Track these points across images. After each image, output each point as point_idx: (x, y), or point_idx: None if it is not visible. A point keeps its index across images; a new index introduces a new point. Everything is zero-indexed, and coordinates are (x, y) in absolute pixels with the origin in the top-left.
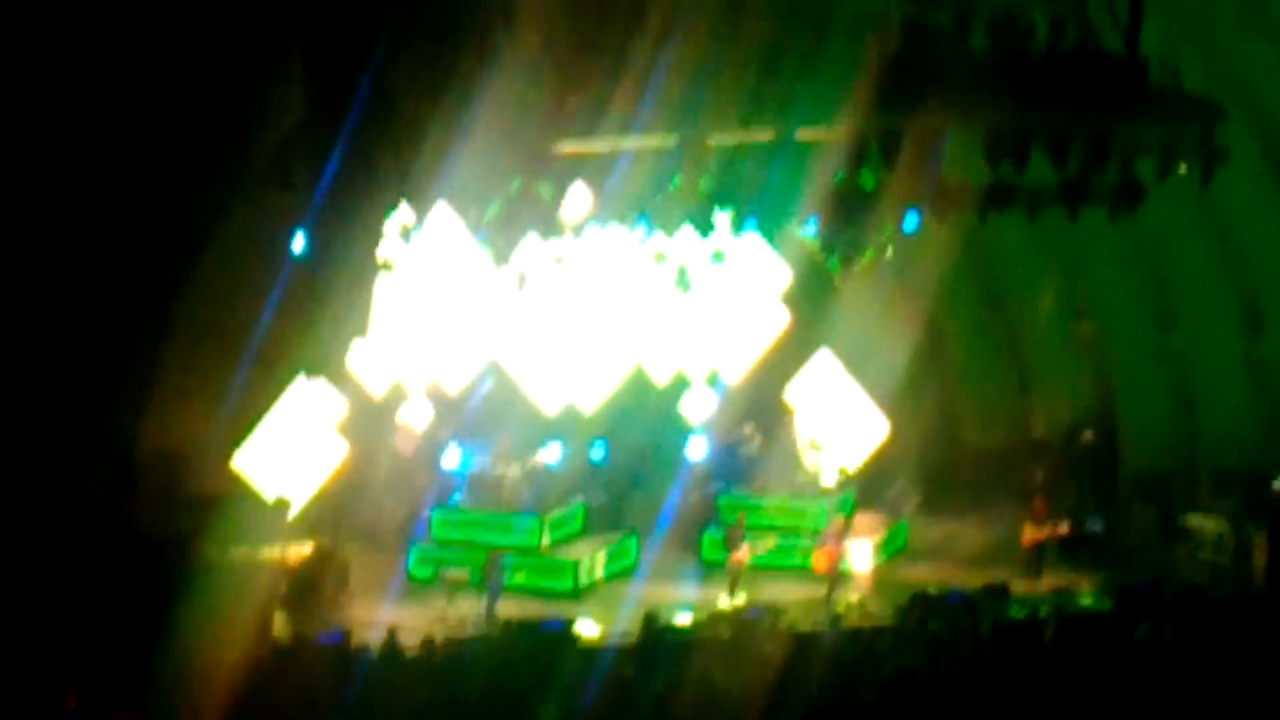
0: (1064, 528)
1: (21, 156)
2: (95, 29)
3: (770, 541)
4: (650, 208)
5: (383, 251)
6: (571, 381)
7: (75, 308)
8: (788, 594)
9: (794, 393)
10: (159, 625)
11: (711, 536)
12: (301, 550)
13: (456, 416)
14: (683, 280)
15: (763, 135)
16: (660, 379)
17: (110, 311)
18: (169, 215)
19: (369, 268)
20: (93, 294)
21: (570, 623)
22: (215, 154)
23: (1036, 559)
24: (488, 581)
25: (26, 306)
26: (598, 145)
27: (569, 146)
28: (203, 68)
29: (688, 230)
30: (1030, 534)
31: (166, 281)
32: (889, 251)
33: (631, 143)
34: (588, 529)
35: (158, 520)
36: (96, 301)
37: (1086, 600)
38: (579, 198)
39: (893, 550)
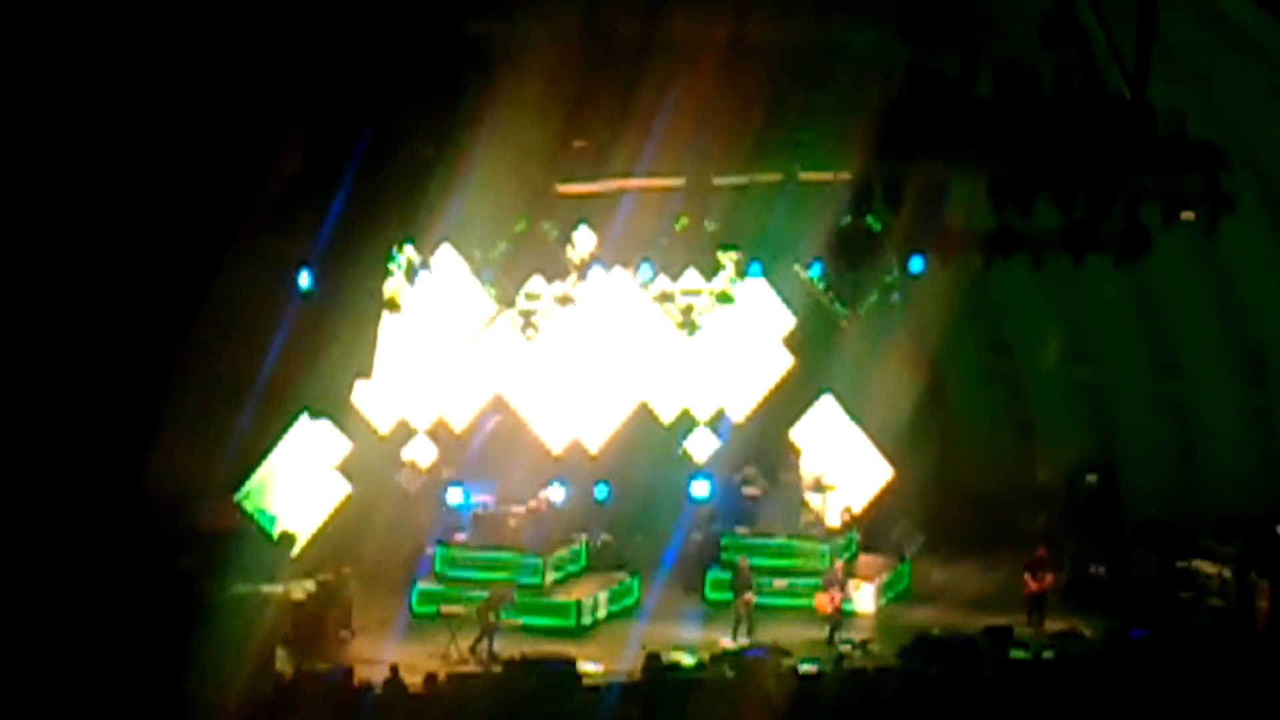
0: (1063, 576)
1: (31, 202)
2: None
3: (782, 584)
4: (655, 249)
5: (388, 290)
6: (577, 420)
7: (85, 346)
8: (791, 635)
9: (798, 435)
10: (165, 662)
11: (715, 577)
12: (305, 587)
13: (461, 455)
14: (688, 321)
15: (768, 178)
16: (665, 419)
17: (119, 351)
18: (175, 257)
19: (374, 306)
20: (102, 333)
21: (573, 661)
22: (220, 197)
23: (1038, 605)
24: (484, 618)
25: (36, 347)
26: (603, 186)
27: (574, 187)
28: (206, 113)
29: (692, 272)
30: (1031, 583)
31: (174, 322)
32: (893, 295)
33: (636, 184)
34: (591, 568)
35: (163, 558)
36: (106, 340)
37: (1088, 644)
38: (584, 238)
39: (896, 592)
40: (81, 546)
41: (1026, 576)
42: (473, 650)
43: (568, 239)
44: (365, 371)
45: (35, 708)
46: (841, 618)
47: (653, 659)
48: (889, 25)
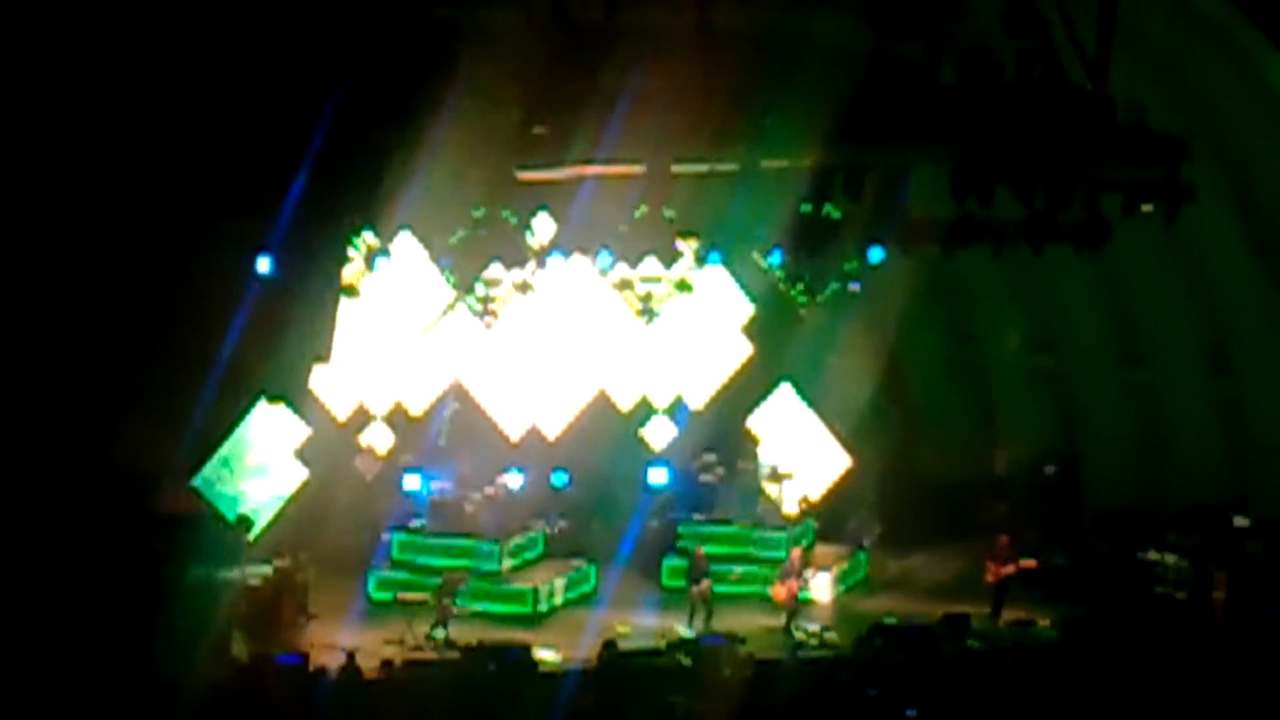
0: (1027, 564)
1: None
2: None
3: (737, 574)
4: (614, 237)
5: (347, 275)
6: (535, 407)
7: (49, 329)
8: (747, 623)
9: (756, 423)
10: (124, 644)
11: (672, 564)
12: (262, 572)
13: (419, 441)
14: (647, 309)
15: (728, 165)
16: (624, 406)
17: (83, 333)
18: (138, 241)
19: (333, 291)
20: (66, 315)
21: (529, 648)
22: (182, 180)
23: (999, 595)
24: (440, 604)
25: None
26: (563, 173)
27: (534, 174)
28: (172, 97)
29: (652, 259)
30: (994, 571)
31: (136, 304)
32: (853, 284)
33: (596, 171)
34: (548, 555)
35: (124, 540)
36: (74, 324)
37: (1044, 633)
38: (543, 225)
39: (853, 581)
40: (47, 526)
41: (989, 564)
42: (428, 637)
43: (527, 226)
44: (324, 356)
45: None
46: (798, 606)
47: (609, 646)
48: (855, 12)
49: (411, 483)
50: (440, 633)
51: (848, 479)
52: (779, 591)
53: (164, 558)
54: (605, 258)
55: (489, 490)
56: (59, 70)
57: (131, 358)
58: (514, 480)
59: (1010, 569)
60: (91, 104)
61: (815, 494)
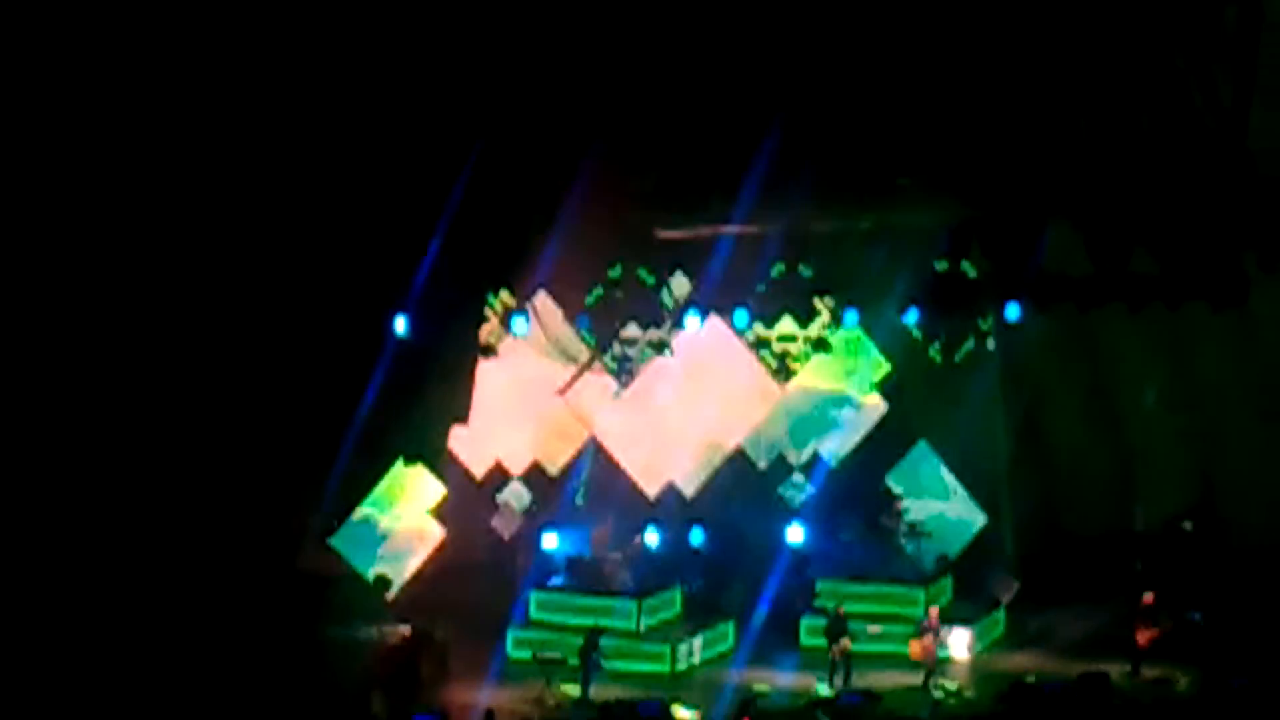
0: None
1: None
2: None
3: (876, 630)
4: (751, 295)
5: (484, 335)
6: (672, 465)
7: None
8: (885, 681)
9: (894, 480)
10: (269, 703)
11: (810, 623)
12: (399, 631)
13: (556, 499)
14: (783, 367)
15: (864, 223)
16: (760, 464)
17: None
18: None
19: (470, 351)
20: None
21: (667, 706)
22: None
23: (1139, 653)
24: (585, 661)
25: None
26: (699, 231)
27: (670, 232)
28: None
29: (788, 318)
30: (1145, 631)
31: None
32: (989, 341)
33: (733, 229)
34: (685, 613)
35: (266, 600)
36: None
37: (1183, 691)
38: (679, 284)
39: (991, 639)
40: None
41: (1138, 625)
42: (583, 691)
43: (664, 284)
44: (461, 416)
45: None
46: (936, 664)
47: (747, 705)
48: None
49: (549, 541)
50: (578, 691)
51: (985, 534)
52: (916, 649)
53: (306, 617)
54: (742, 316)
55: (626, 549)
56: (215, 137)
57: (272, 420)
58: (651, 538)
59: (1163, 628)
60: (233, 163)
61: (953, 551)
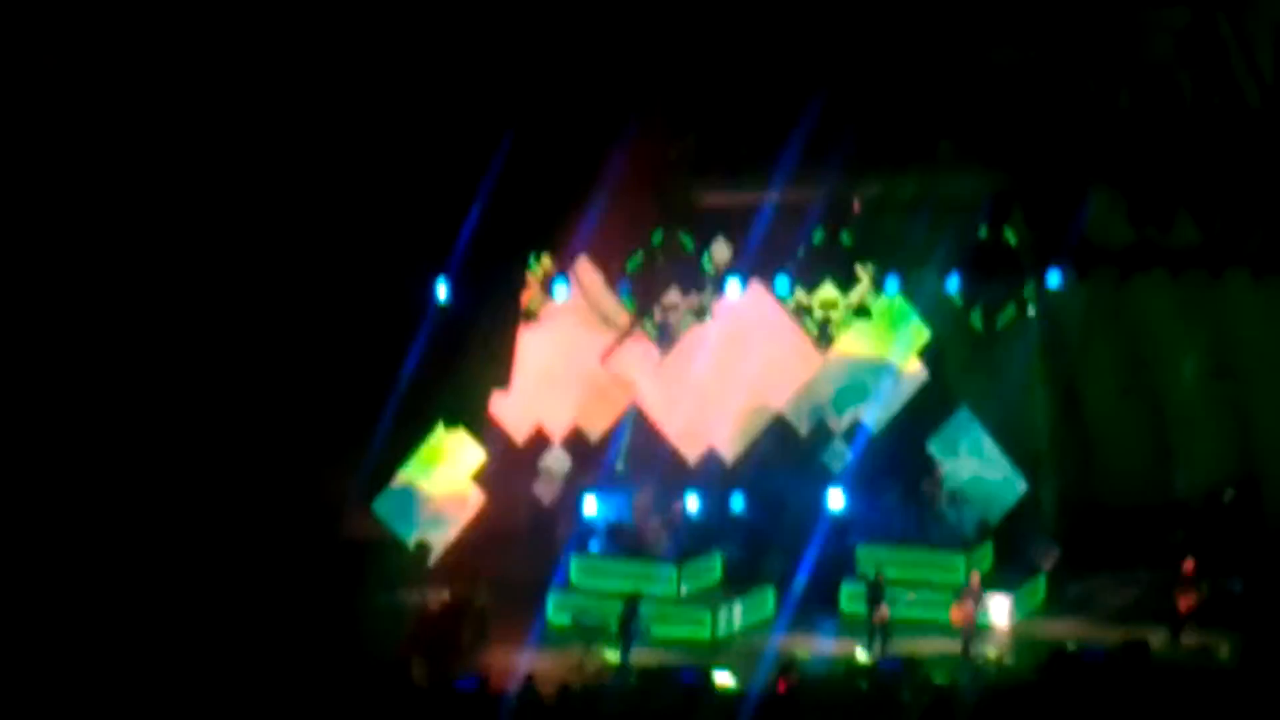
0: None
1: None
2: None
3: (912, 596)
4: (792, 261)
5: (525, 301)
6: (712, 431)
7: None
8: (925, 647)
9: (934, 447)
10: (312, 669)
11: (850, 589)
12: (440, 597)
13: (596, 465)
14: (825, 334)
15: (905, 190)
16: (801, 430)
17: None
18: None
19: (511, 317)
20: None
21: (708, 672)
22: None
23: (1179, 620)
24: (625, 627)
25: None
26: (741, 198)
27: (712, 199)
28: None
29: (829, 284)
30: (1185, 598)
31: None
32: (1031, 308)
33: (774, 195)
34: (726, 579)
35: (309, 566)
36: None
37: (1223, 659)
38: (720, 250)
39: (1031, 606)
40: (241, 553)
41: (1178, 593)
42: (624, 657)
43: (705, 250)
44: (502, 382)
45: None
46: (976, 631)
47: (787, 670)
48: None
49: (590, 506)
50: (619, 656)
51: (1025, 503)
52: (957, 616)
53: (347, 583)
54: (783, 282)
55: (667, 515)
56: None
57: (314, 386)
58: (692, 504)
59: (1201, 595)
60: (278, 134)
61: (993, 518)
